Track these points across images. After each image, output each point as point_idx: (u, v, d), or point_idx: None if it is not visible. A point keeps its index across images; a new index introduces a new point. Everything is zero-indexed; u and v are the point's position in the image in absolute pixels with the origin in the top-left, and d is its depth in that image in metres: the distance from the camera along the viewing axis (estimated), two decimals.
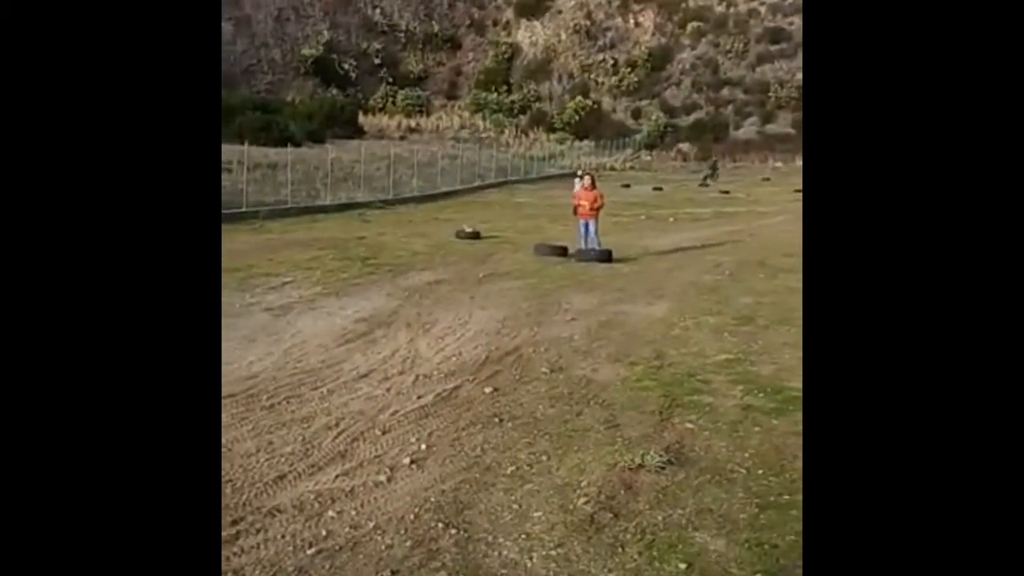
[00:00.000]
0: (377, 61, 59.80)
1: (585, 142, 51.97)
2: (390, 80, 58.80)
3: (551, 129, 55.21)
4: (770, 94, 56.22)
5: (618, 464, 3.98)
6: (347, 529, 3.32)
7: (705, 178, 35.46)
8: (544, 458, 4.11)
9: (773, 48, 59.32)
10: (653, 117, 56.77)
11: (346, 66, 55.57)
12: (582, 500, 3.59)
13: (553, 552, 3.12)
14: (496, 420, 4.69)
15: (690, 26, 61.73)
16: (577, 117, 56.41)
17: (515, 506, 3.54)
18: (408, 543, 3.19)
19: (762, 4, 62.62)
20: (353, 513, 3.47)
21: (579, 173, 15.84)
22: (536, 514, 3.46)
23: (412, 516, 3.44)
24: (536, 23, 65.44)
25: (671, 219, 20.05)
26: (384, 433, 4.47)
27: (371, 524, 3.37)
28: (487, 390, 5.29)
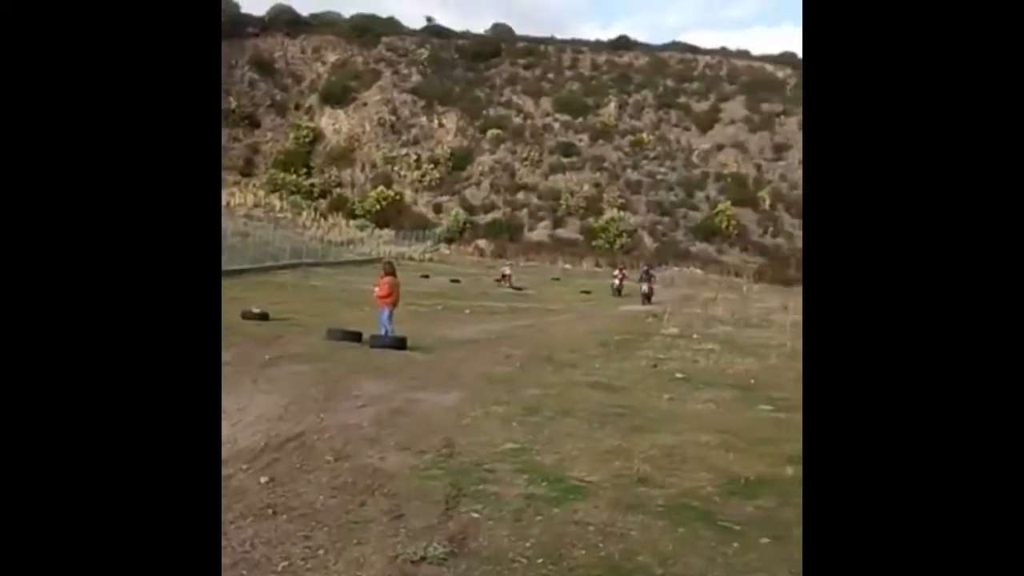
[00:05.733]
0: None
1: (386, 231, 52.33)
2: None
3: (352, 215, 55.08)
4: (561, 202, 60.46)
5: (400, 556, 3.80)
6: None
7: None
8: (321, 552, 3.83)
9: (565, 160, 64.32)
10: (453, 213, 58.66)
11: None
12: None
13: None
14: (270, 512, 4.34)
15: (490, 132, 65.50)
16: (379, 206, 56.89)
17: None
18: None
19: (555, 120, 68.13)
20: None
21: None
22: None
23: None
24: (340, 112, 66.07)
25: (467, 311, 20.47)
26: None
27: None
28: (262, 479, 4.90)
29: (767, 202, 60.50)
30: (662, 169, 64.65)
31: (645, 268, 30.92)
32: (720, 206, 59.09)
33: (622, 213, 59.23)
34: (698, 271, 51.24)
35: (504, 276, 33.58)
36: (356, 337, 11.84)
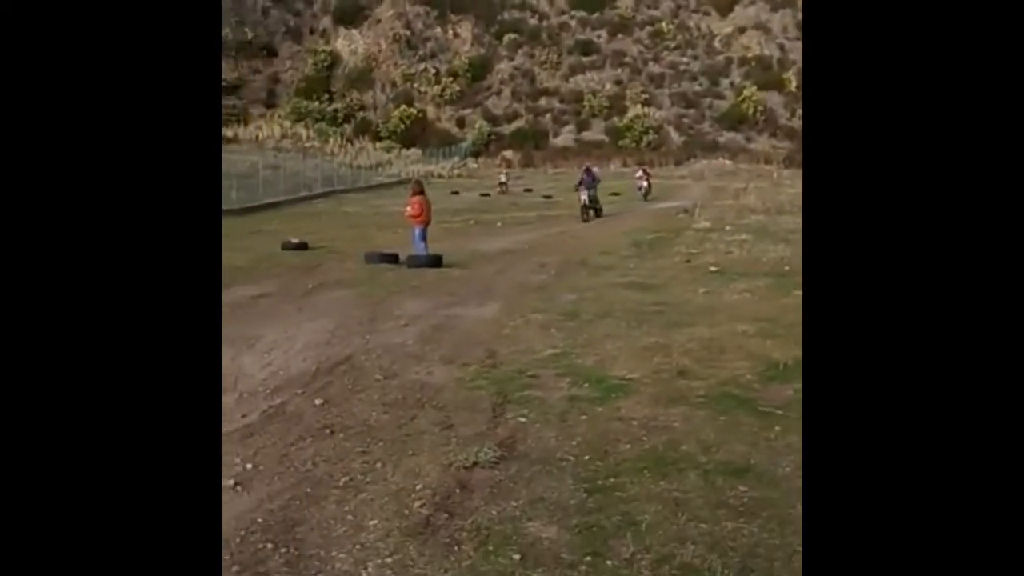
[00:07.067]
0: None
1: (412, 150, 51.97)
2: None
3: (377, 138, 54.68)
4: (584, 103, 58.99)
5: (453, 464, 4.00)
6: None
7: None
8: (378, 465, 4.05)
9: (585, 60, 62.38)
10: (477, 125, 57.81)
11: None
12: (417, 504, 3.57)
13: (389, 559, 3.08)
14: (327, 432, 4.56)
15: (506, 37, 63.53)
16: (403, 126, 56.32)
17: (349, 517, 3.46)
18: (234, 568, 3.02)
19: (572, 18, 65.68)
20: None
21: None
22: (371, 523, 3.40)
23: (237, 540, 3.26)
24: (355, 32, 64.55)
25: (498, 224, 20.49)
26: None
27: None
28: (317, 402, 5.13)
29: (793, 84, 58.21)
30: (684, 59, 62.40)
31: (585, 166, 23.06)
32: (745, 92, 57.15)
33: (646, 109, 57.72)
34: (727, 162, 50.11)
35: (502, 184, 34.83)
36: (393, 259, 12.00)
